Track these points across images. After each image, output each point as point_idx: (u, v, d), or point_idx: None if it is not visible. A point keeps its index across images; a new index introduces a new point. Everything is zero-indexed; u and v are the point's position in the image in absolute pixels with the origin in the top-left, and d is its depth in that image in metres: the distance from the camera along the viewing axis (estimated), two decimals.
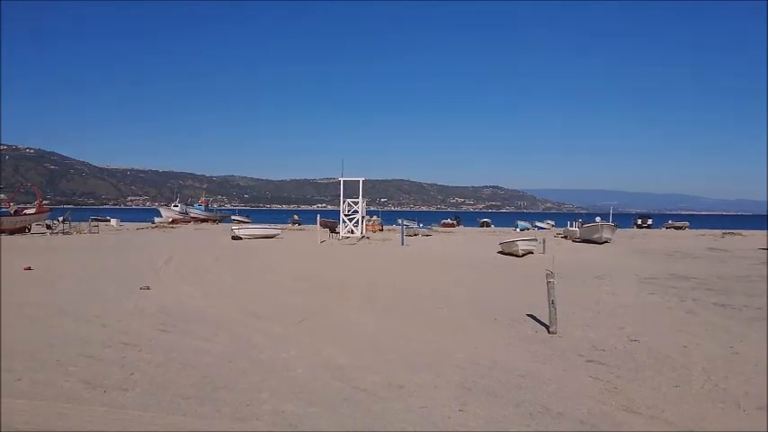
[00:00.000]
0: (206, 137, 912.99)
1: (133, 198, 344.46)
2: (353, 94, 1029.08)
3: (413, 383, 7.19)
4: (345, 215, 40.47)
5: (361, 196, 40.59)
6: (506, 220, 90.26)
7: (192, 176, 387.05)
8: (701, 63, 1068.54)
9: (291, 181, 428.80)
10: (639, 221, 75.31)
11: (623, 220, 69.75)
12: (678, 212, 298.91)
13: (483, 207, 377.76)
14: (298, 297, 14.13)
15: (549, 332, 10.07)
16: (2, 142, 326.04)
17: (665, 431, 5.79)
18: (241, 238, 37.71)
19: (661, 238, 48.11)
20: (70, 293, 14.14)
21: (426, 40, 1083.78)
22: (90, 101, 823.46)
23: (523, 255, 26.72)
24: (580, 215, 70.93)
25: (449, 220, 76.74)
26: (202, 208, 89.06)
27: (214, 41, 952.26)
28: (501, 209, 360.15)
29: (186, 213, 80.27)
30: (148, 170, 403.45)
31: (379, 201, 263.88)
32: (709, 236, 50.44)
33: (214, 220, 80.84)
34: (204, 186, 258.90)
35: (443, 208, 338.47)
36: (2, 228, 38.03)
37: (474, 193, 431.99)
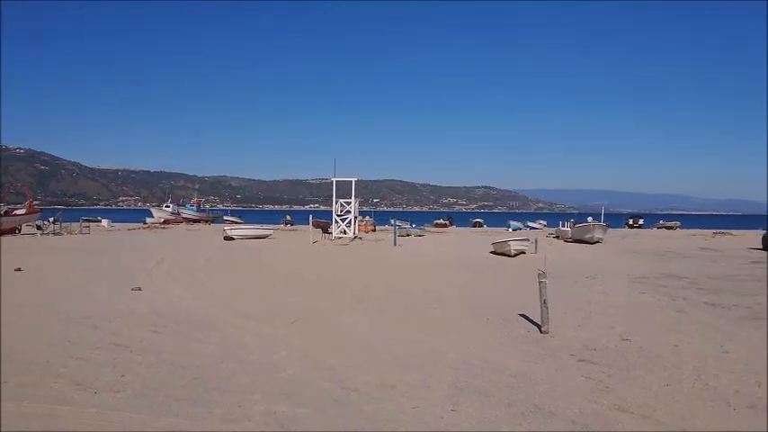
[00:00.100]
0: (205, 137, 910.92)
1: (124, 198, 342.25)
2: (353, 94, 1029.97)
3: (405, 384, 7.18)
4: (338, 215, 40.41)
5: (353, 196, 40.54)
6: (499, 220, 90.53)
7: (185, 177, 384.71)
8: (700, 63, 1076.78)
9: (284, 181, 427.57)
10: (631, 221, 75.77)
11: (615, 219, 70.11)
12: (669, 212, 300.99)
13: (475, 207, 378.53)
14: (290, 298, 14.10)
15: (540, 332, 10.10)
16: (2, 142, 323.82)
17: (656, 430, 5.81)
18: (233, 239, 37.62)
19: (652, 237, 48.39)
20: (60, 294, 14.04)
21: (426, 40, 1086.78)
22: (89, 101, 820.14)
23: (515, 255, 26.79)
24: (572, 215, 71.41)
25: (441, 221, 76.69)
26: (194, 208, 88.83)
27: (214, 41, 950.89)
28: (493, 209, 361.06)
29: (178, 214, 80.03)
30: (140, 170, 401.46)
31: (372, 201, 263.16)
32: (700, 236, 50.80)
33: (206, 221, 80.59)
34: (196, 187, 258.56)
35: (436, 208, 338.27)
36: None
37: (466, 193, 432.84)
